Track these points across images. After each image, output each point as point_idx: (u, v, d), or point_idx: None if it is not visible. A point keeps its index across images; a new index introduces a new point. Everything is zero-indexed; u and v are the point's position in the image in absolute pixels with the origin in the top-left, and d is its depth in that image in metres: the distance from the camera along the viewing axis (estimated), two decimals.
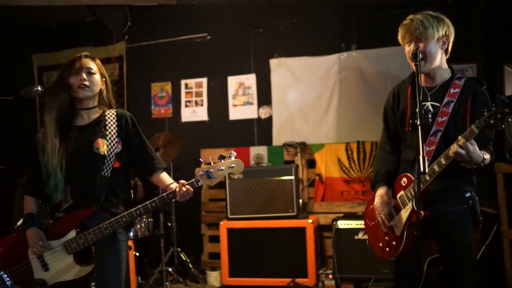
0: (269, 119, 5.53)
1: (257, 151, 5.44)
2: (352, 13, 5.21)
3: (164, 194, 2.51)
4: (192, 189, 2.49)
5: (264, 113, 5.56)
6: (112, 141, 2.60)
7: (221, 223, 4.81)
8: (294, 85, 5.42)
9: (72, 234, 2.52)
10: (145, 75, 5.98)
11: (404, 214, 2.56)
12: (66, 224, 2.54)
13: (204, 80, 5.78)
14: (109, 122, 2.64)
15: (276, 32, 5.53)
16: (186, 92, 5.84)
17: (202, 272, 5.13)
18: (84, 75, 2.58)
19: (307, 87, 5.33)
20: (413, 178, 2.52)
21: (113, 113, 2.69)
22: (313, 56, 5.30)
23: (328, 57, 5.21)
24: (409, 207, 2.54)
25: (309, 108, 5.30)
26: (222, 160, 2.50)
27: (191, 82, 5.83)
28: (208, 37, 5.76)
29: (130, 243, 3.87)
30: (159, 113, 5.93)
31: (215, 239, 5.24)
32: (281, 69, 5.48)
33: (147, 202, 2.50)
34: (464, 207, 2.51)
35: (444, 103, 2.50)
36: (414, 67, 2.43)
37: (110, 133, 2.61)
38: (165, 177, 2.71)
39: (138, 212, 2.50)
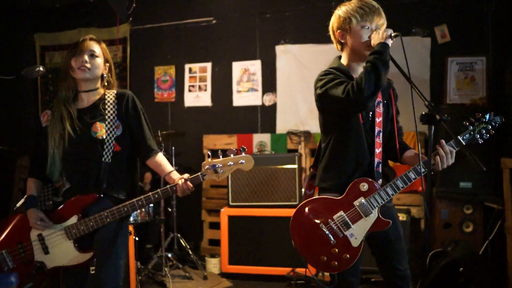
0: (273, 107, 5.48)
1: (260, 139, 5.39)
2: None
3: (168, 186, 2.46)
4: (192, 186, 2.43)
5: (268, 100, 5.50)
6: (112, 125, 2.54)
7: (222, 210, 4.77)
8: (299, 72, 5.35)
9: (73, 219, 2.48)
10: (148, 58, 5.92)
11: (366, 222, 2.31)
12: (68, 209, 2.50)
13: (208, 65, 5.72)
14: (109, 104, 2.57)
15: (283, 18, 5.45)
16: (190, 77, 5.78)
17: (202, 258, 5.11)
18: (86, 57, 2.52)
19: (313, 75, 5.14)
20: (376, 184, 2.33)
21: (113, 94, 2.62)
22: (320, 43, 5.23)
23: (334, 45, 5.11)
24: (373, 215, 2.32)
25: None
26: (232, 155, 2.41)
27: (195, 66, 5.76)
28: (214, 22, 5.68)
29: (130, 228, 3.82)
30: (162, 97, 5.87)
31: (216, 225, 5.22)
32: (287, 56, 5.41)
33: (150, 193, 2.45)
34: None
35: (375, 103, 2.37)
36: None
37: (110, 116, 2.55)
38: (163, 162, 2.63)
39: (140, 203, 2.45)
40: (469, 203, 4.39)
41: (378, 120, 2.40)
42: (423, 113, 1.99)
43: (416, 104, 2.22)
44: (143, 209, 4.31)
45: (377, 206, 2.31)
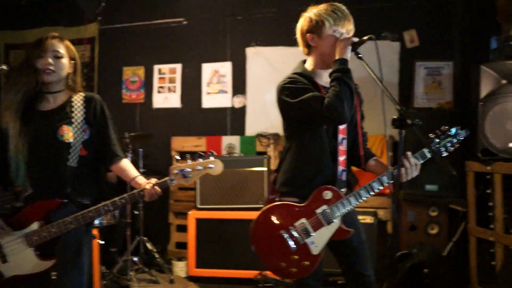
0: (243, 109, 5.45)
1: (230, 141, 5.36)
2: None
3: (135, 191, 2.40)
4: (160, 190, 2.39)
5: (238, 102, 5.47)
6: (78, 128, 2.46)
7: (190, 212, 4.72)
8: (270, 75, 5.34)
9: (34, 226, 2.40)
10: (117, 59, 5.83)
11: (327, 230, 2.30)
12: (29, 215, 2.41)
13: (178, 66, 5.66)
14: (76, 107, 2.51)
15: (254, 20, 5.44)
16: (159, 78, 5.71)
17: (168, 262, 5.04)
18: (50, 59, 2.43)
19: (283, 77, 5.24)
20: (339, 192, 2.32)
21: (81, 97, 2.55)
22: (291, 46, 5.21)
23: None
24: (335, 224, 2.30)
25: None
26: (201, 159, 2.37)
27: (165, 67, 5.70)
28: (185, 22, 5.63)
29: (95, 231, 3.76)
30: (130, 98, 5.78)
31: (183, 228, 5.15)
32: (258, 58, 5.40)
33: (116, 198, 2.39)
34: None
35: None
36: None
37: (77, 119, 2.47)
38: (128, 167, 2.57)
39: (106, 208, 2.39)
40: (434, 205, 4.44)
41: (342, 127, 2.39)
42: (395, 117, 1.99)
43: (387, 108, 2.23)
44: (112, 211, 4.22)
45: (339, 215, 2.29)
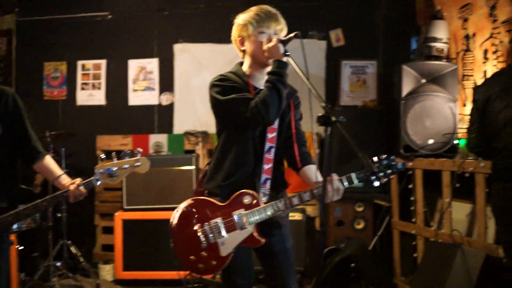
0: (171, 106, 5.36)
1: (157, 139, 5.26)
2: (259, 2, 5.15)
3: (58, 193, 2.29)
4: (85, 191, 2.28)
5: (165, 99, 5.37)
6: None
7: (116, 214, 4.58)
8: (198, 72, 5.29)
9: None
10: (37, 53, 5.54)
11: (239, 235, 2.29)
12: None
13: (103, 62, 5.47)
14: None
15: (181, 16, 5.36)
16: (83, 74, 5.49)
17: (94, 265, 4.88)
18: None
19: (211, 74, 5.09)
20: (258, 200, 2.29)
21: None
22: (219, 43, 5.20)
23: (233, 45, 5.10)
24: (247, 230, 2.28)
25: None
26: (127, 158, 2.31)
27: (89, 63, 5.49)
28: (109, 17, 5.45)
29: (13, 237, 3.56)
30: (52, 94, 5.52)
31: (110, 230, 5.00)
32: (185, 55, 5.33)
33: (38, 201, 2.26)
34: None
35: None
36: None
37: None
38: (51, 165, 2.46)
39: (26, 212, 2.26)
40: (360, 201, 4.57)
41: (271, 135, 2.38)
42: (320, 114, 1.99)
43: (315, 105, 2.25)
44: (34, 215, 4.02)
45: (253, 222, 2.28)
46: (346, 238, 4.42)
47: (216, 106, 2.37)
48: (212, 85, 2.38)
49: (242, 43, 2.44)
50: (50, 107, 5.50)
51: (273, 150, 2.38)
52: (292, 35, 2.26)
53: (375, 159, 2.19)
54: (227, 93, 2.30)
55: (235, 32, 2.47)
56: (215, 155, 2.44)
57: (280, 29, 2.38)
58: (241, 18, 2.43)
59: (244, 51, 2.46)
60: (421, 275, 3.53)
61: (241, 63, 2.50)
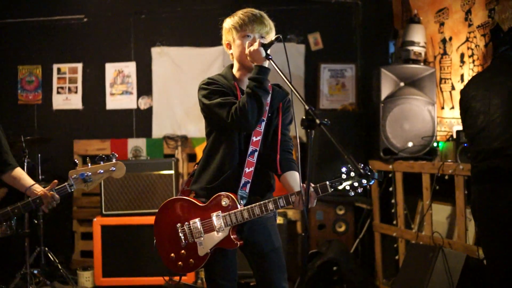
0: (149, 110, 5.31)
1: (136, 143, 5.20)
2: (237, 6, 5.14)
3: (30, 199, 2.23)
4: (58, 197, 2.23)
5: (143, 103, 5.32)
6: None
7: (95, 219, 4.51)
8: (176, 76, 5.25)
9: None
10: (11, 56, 5.42)
11: (216, 236, 2.31)
12: None
13: (79, 66, 5.38)
14: None
15: (159, 20, 5.31)
16: (59, 78, 5.40)
17: (73, 272, 4.77)
18: None
19: (189, 78, 5.18)
20: (236, 203, 2.30)
21: None
22: (197, 47, 5.18)
23: (212, 49, 5.11)
24: (224, 233, 2.31)
25: (191, 100, 5.14)
26: (102, 162, 2.28)
27: (65, 67, 5.40)
28: (85, 20, 5.36)
29: None
30: (26, 99, 5.41)
31: (88, 236, 4.92)
32: (163, 58, 5.28)
33: (8, 208, 2.20)
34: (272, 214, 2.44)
35: None
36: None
37: None
38: (22, 176, 2.42)
39: None
40: (341, 204, 4.59)
41: (255, 139, 2.37)
42: (304, 117, 1.98)
43: (297, 109, 2.31)
44: (4, 223, 3.91)
45: (230, 225, 2.30)
46: (327, 241, 4.43)
47: (203, 109, 2.39)
48: (200, 88, 2.40)
49: (229, 47, 2.45)
50: (25, 112, 5.38)
51: (256, 154, 2.38)
52: (273, 38, 2.27)
53: (352, 168, 2.13)
54: (213, 96, 2.31)
55: (223, 37, 2.49)
56: (203, 157, 2.46)
57: (266, 31, 2.39)
58: (226, 23, 2.44)
59: (232, 55, 2.47)
60: (403, 277, 3.56)
61: (232, 66, 2.51)
